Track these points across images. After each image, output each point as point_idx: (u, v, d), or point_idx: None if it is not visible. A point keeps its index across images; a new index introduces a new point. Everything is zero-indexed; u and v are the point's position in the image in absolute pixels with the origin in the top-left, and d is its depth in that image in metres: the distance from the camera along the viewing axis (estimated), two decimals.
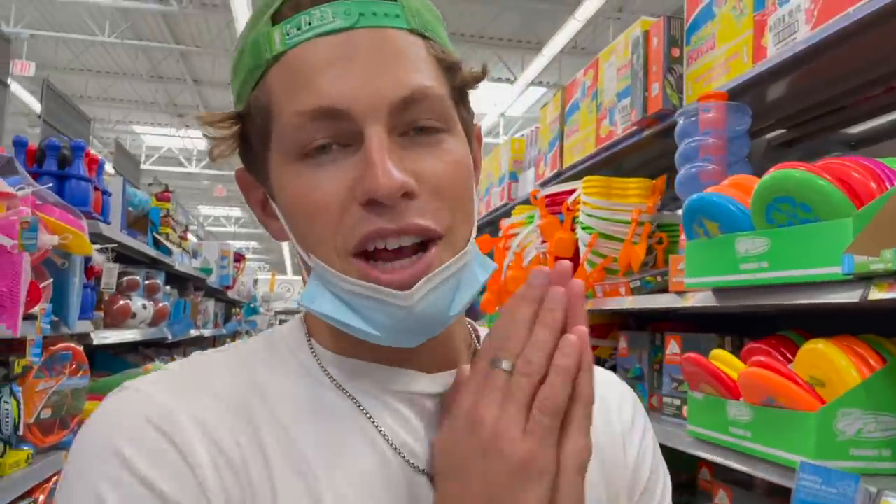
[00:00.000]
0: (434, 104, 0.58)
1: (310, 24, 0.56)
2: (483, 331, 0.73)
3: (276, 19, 0.58)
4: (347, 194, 0.56)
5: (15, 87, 9.52)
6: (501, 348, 0.55)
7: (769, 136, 2.11)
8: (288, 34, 0.57)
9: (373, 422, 0.60)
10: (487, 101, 12.03)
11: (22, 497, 1.96)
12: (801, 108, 1.87)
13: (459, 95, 0.62)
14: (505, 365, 0.54)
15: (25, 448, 1.98)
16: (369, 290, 0.57)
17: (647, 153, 2.47)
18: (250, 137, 0.61)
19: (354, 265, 0.57)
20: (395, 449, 0.60)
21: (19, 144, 2.37)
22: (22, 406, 1.86)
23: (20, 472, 1.91)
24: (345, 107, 0.55)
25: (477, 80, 0.63)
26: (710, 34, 1.86)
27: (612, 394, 0.73)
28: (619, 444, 0.70)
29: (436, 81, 0.58)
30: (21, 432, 1.92)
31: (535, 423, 0.52)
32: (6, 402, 1.79)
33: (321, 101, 0.55)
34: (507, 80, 10.90)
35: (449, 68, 0.60)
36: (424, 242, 0.57)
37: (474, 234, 0.62)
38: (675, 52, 2.04)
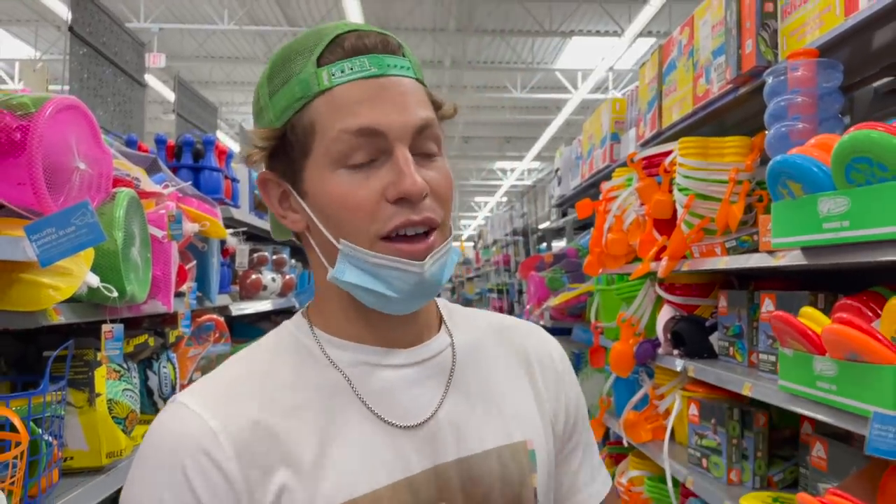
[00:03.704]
0: (434, 130, 0.79)
1: (352, 69, 0.76)
2: (442, 302, 0.91)
3: (320, 63, 0.76)
4: (379, 195, 0.75)
5: (147, 78, 10.25)
6: None
7: (876, 84, 2.04)
8: (333, 74, 0.76)
9: (357, 395, 0.79)
10: (595, 55, 11.74)
11: None
12: None
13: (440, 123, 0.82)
14: None
15: None
16: (395, 262, 0.76)
17: (747, 110, 2.43)
18: (287, 148, 0.78)
19: (383, 245, 0.76)
20: (377, 415, 0.79)
21: (160, 142, 2.68)
22: (178, 370, 2.16)
23: None
24: (383, 128, 0.75)
25: (450, 115, 0.84)
26: None
27: (554, 350, 0.96)
28: (562, 381, 0.93)
29: (433, 114, 0.80)
30: (178, 392, 2.23)
31: None
32: (164, 367, 2.09)
33: (364, 122, 0.75)
34: (615, 34, 10.60)
35: (436, 105, 0.82)
36: (427, 230, 0.77)
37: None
38: (769, 7, 2.00)
